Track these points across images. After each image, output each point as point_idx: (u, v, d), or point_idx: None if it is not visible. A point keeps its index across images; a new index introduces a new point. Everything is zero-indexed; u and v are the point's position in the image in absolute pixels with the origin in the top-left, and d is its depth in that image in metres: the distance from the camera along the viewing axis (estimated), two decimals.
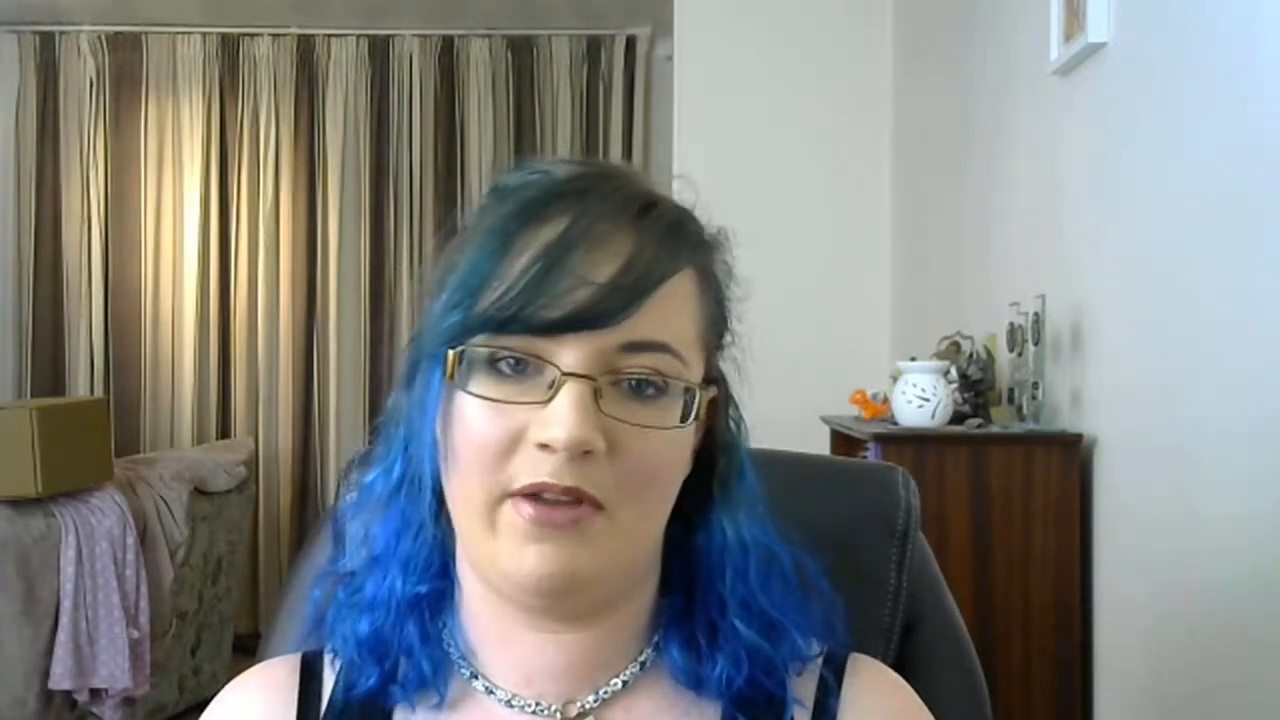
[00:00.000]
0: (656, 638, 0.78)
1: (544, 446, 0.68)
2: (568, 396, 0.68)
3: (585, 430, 0.68)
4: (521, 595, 0.71)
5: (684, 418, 0.72)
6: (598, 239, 0.70)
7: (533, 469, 0.69)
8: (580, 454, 0.68)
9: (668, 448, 0.72)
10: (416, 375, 0.75)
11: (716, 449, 0.78)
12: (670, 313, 0.71)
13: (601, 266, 0.69)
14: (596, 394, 0.69)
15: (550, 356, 0.69)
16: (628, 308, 0.69)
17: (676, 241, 0.73)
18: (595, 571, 0.71)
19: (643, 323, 0.70)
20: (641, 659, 0.77)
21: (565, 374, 0.68)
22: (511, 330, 0.69)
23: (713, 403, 0.78)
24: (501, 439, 0.69)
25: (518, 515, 0.69)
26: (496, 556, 0.71)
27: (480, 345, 0.70)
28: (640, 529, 0.73)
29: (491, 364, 0.70)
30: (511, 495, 0.69)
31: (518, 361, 0.70)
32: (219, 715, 0.81)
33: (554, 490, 0.68)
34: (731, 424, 0.80)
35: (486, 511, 0.70)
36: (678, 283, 0.72)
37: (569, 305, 0.68)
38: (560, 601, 0.72)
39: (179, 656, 3.72)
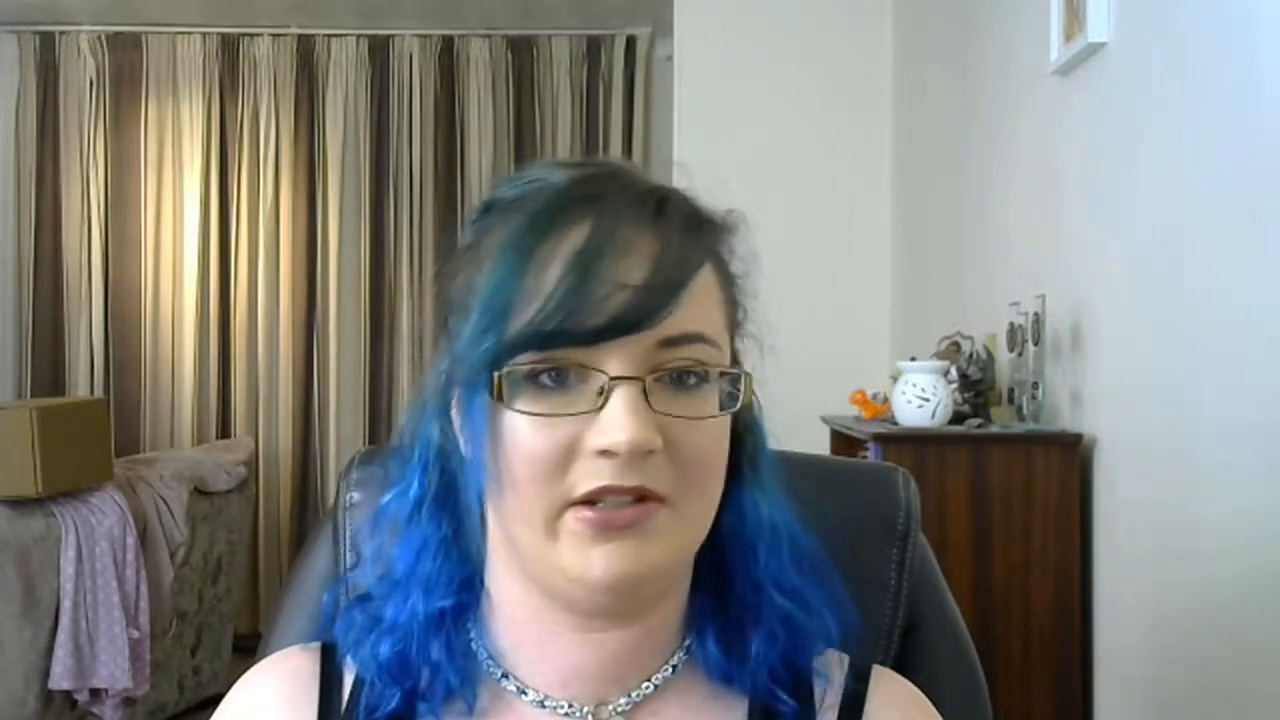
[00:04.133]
0: (688, 640, 0.79)
1: (604, 453, 0.69)
2: (621, 400, 0.69)
3: (645, 432, 0.69)
4: (590, 596, 0.72)
5: (723, 404, 0.73)
6: (623, 242, 0.70)
7: (593, 475, 0.69)
8: (642, 454, 0.69)
9: (716, 434, 0.74)
10: (450, 403, 0.76)
11: (743, 427, 0.79)
12: (699, 303, 0.73)
13: (633, 270, 0.70)
14: (645, 393, 0.70)
15: (595, 364, 0.70)
16: (666, 306, 0.70)
17: (696, 235, 0.74)
18: (663, 565, 0.72)
19: (678, 317, 0.71)
20: (674, 661, 0.78)
21: (615, 379, 0.69)
22: (555, 344, 0.69)
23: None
24: (555, 452, 0.70)
25: (580, 523, 0.70)
26: (562, 563, 0.71)
27: (524, 363, 0.70)
28: (702, 517, 0.74)
29: (532, 379, 0.70)
30: (572, 504, 0.70)
31: (558, 373, 0.70)
32: (241, 700, 0.82)
33: (617, 492, 0.69)
34: (754, 399, 0.81)
35: (547, 523, 0.71)
36: (703, 274, 0.74)
37: (610, 311, 0.69)
38: (625, 599, 0.73)
39: (179, 656, 3.73)
